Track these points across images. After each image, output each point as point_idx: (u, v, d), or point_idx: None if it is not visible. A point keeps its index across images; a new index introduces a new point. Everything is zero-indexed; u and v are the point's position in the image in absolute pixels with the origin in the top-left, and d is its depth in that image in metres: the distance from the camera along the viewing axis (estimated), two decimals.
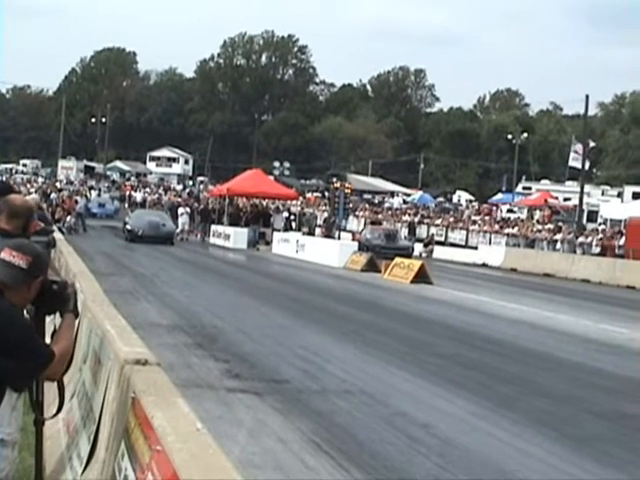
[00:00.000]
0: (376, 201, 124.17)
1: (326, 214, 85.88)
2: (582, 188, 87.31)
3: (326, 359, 21.27)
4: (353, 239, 71.91)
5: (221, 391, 16.60)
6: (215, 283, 39.60)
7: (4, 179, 70.53)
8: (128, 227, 67.48)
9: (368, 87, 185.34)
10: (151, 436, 5.67)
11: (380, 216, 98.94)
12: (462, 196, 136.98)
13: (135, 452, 6.07)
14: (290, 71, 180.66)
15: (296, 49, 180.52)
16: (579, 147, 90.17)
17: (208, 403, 14.40)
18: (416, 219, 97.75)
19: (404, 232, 79.30)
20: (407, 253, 64.39)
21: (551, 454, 14.02)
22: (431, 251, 75.91)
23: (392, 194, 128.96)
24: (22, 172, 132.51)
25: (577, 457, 13.90)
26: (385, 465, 12.76)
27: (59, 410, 7.68)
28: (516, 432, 15.23)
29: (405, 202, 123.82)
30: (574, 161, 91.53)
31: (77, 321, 7.44)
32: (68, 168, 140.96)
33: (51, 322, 7.39)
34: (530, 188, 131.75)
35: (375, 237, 70.16)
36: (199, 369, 18.39)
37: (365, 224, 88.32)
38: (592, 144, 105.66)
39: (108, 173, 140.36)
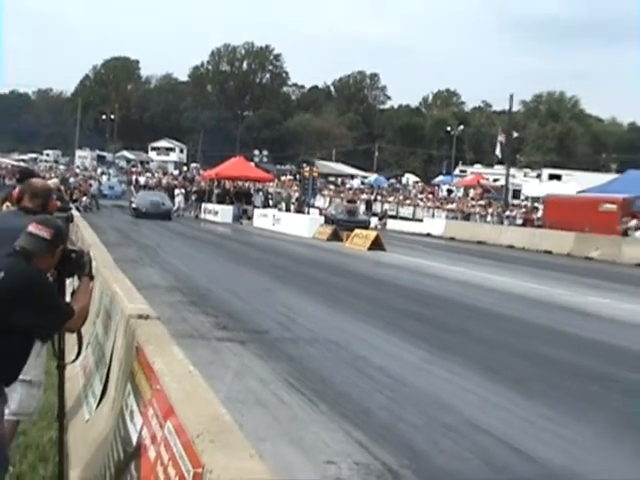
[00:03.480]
0: (339, 182, 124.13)
1: (297, 193, 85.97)
2: (508, 171, 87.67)
3: (299, 314, 21.27)
4: (320, 214, 70.91)
5: (211, 340, 16.57)
6: (206, 252, 39.52)
7: (29, 166, 69.41)
8: (134, 205, 68.47)
9: (332, 88, 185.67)
10: (152, 378, 5.66)
11: (342, 195, 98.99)
12: (410, 178, 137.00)
13: (139, 391, 6.06)
14: (267, 75, 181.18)
15: (272, 57, 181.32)
16: (504, 137, 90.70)
17: (200, 350, 14.36)
18: (372, 197, 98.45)
19: (362, 208, 78.86)
20: (365, 225, 63.58)
21: (486, 391, 14.04)
22: (385, 224, 76.15)
23: (352, 177, 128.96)
24: (45, 161, 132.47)
25: (509, 393, 13.92)
26: (347, 400, 12.77)
27: (78, 356, 7.79)
28: (457, 373, 15.23)
29: (363, 183, 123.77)
30: (500, 149, 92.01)
31: (91, 283, 7.38)
32: (83, 157, 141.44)
33: (70, 284, 7.38)
34: (465, 171, 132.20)
35: (339, 212, 68.92)
36: (193, 322, 18.35)
37: (330, 201, 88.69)
38: (515, 135, 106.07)
39: (116, 161, 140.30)
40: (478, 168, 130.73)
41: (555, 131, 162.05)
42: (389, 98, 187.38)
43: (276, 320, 20.07)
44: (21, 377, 6.85)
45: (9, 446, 7.04)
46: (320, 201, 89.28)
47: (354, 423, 11.48)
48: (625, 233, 57.03)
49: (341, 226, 59.17)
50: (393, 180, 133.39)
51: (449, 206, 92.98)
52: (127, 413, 6.29)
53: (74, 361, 7.87)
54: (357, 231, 53.55)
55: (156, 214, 64.76)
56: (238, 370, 14.09)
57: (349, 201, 79.83)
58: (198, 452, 3.98)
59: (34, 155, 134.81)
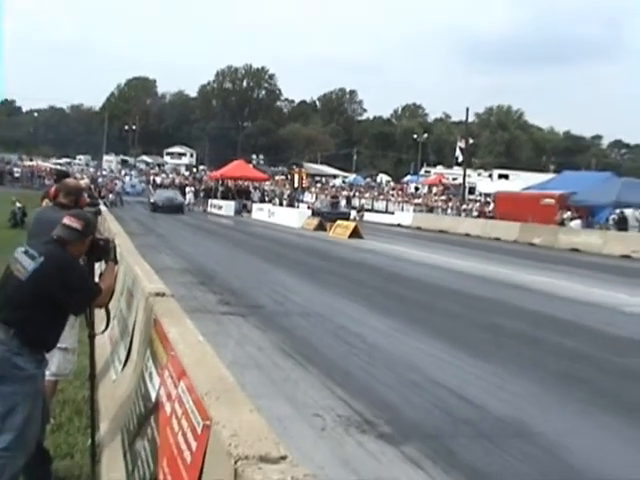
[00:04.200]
0: (323, 181, 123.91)
1: (289, 191, 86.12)
2: (464, 171, 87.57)
3: (290, 292, 21.29)
4: (308, 208, 70.35)
5: (217, 314, 16.56)
6: (213, 240, 39.49)
7: (64, 168, 69.29)
8: (152, 201, 68.34)
9: (317, 102, 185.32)
10: (167, 345, 5.68)
11: (326, 192, 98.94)
12: (383, 177, 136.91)
13: (156, 356, 6.07)
14: (263, 92, 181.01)
15: (267, 76, 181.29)
16: (462, 143, 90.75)
17: (207, 322, 14.36)
18: (351, 193, 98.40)
19: (343, 202, 78.66)
20: (346, 217, 63.66)
21: (448, 355, 14.07)
22: (362, 216, 75.91)
23: (334, 176, 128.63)
24: (77, 164, 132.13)
25: (466, 357, 13.95)
26: (331, 362, 12.83)
27: (107, 328, 7.80)
28: (424, 340, 15.28)
29: (344, 182, 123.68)
30: (459, 152, 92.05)
31: (116, 267, 7.42)
32: (109, 161, 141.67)
33: (98, 267, 7.39)
34: (429, 172, 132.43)
35: (324, 206, 70.16)
36: (201, 299, 18.37)
37: (316, 197, 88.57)
38: (471, 141, 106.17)
39: (137, 164, 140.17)
40: (440, 169, 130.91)
41: (503, 138, 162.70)
42: (365, 110, 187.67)
43: (271, 297, 20.10)
44: (59, 345, 6.93)
45: (50, 402, 7.16)
46: (307, 197, 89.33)
47: (337, 382, 11.51)
48: (561, 223, 57.29)
49: (325, 217, 58.84)
50: (369, 179, 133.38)
51: (416, 201, 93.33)
52: (147, 375, 6.30)
53: (103, 332, 7.89)
54: (339, 222, 53.57)
55: (170, 208, 64.47)
56: (239, 339, 14.12)
57: (332, 197, 79.28)
58: (207, 407, 3.99)
59: (68, 159, 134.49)
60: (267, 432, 3.72)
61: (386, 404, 10.51)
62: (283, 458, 3.25)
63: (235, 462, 3.22)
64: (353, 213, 73.69)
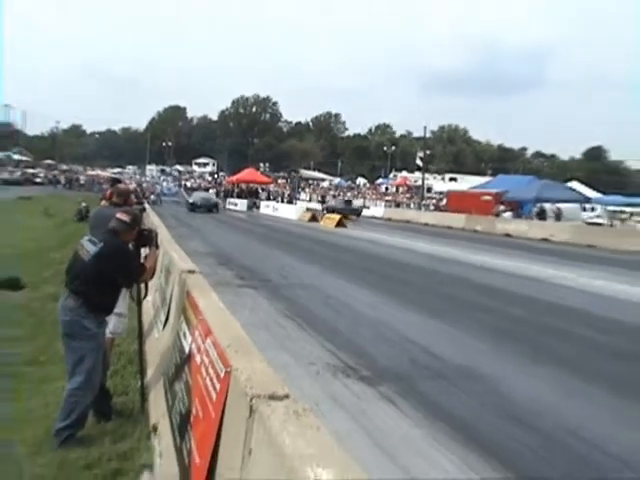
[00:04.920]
0: (315, 183, 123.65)
1: (288, 191, 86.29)
2: (423, 175, 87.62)
3: (291, 269, 21.20)
4: (322, 209, 65.83)
5: (234, 287, 16.53)
6: (230, 230, 39.36)
7: (117, 176, 68.96)
8: (191, 201, 62.35)
9: (310, 123, 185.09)
10: (197, 311, 5.68)
11: (318, 191, 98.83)
12: (361, 180, 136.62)
13: (189, 320, 6.07)
14: (267, 115, 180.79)
15: (271, 103, 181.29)
16: (421, 154, 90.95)
17: (227, 294, 14.31)
18: (336, 193, 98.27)
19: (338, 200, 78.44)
20: (358, 212, 64.18)
21: (414, 317, 14.10)
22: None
23: (323, 180, 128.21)
24: (127, 173, 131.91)
25: (428, 318, 13.98)
26: (323, 324, 12.78)
27: (146, 296, 7.92)
28: (396, 307, 15.25)
29: (330, 184, 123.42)
30: (419, 161, 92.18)
31: (157, 251, 7.43)
32: (151, 170, 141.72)
33: (144, 252, 7.42)
34: (396, 175, 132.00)
35: (338, 203, 67.89)
36: (222, 275, 18.30)
37: (310, 197, 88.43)
38: (428, 152, 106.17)
39: (172, 172, 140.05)
40: (404, 173, 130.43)
41: (452, 150, 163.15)
42: (347, 129, 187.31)
43: (276, 273, 20.03)
44: (115, 311, 7.06)
45: (109, 353, 7.45)
46: (302, 196, 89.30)
47: (327, 338, 11.51)
48: (497, 214, 57.75)
49: (340, 213, 55.93)
50: (350, 182, 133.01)
51: (386, 198, 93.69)
52: (181, 334, 6.32)
53: (144, 298, 7.90)
54: (327, 215, 53.55)
55: (208, 206, 60.11)
56: (252, 307, 14.10)
57: (333, 196, 77.05)
58: (228, 358, 3.99)
59: (120, 169, 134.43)
60: (273, 377, 3.73)
61: (365, 355, 10.51)
62: (287, 396, 3.26)
63: (250, 399, 3.24)
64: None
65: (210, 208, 60.49)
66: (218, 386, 3.98)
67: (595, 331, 13.59)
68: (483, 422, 7.74)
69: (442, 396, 8.59)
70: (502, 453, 6.82)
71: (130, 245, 7.00)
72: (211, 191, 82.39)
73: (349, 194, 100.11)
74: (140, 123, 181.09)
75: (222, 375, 3.93)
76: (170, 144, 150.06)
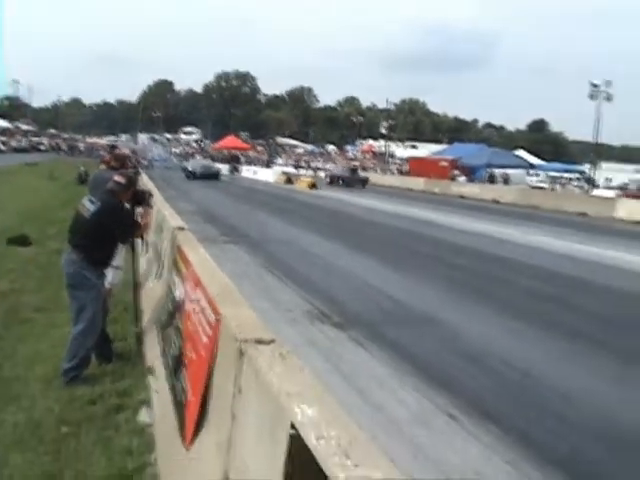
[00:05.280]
0: (290, 150, 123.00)
1: (266, 156, 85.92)
2: (387, 143, 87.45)
3: (269, 226, 21.21)
4: (325, 176, 61.35)
5: (219, 243, 16.46)
6: (214, 192, 38.98)
7: (114, 143, 68.04)
8: (190, 169, 53.37)
9: (286, 96, 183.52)
10: (187, 264, 5.60)
11: (292, 157, 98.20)
12: (331, 147, 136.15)
13: (180, 271, 6.02)
14: (247, 88, 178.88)
15: (250, 77, 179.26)
16: (385, 124, 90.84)
17: (213, 248, 14.22)
18: (308, 158, 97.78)
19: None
20: (364, 182, 54.59)
21: (377, 268, 14.14)
22: (317, 173, 75.18)
23: (297, 147, 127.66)
24: (121, 141, 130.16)
25: (391, 270, 14.02)
26: (298, 274, 12.80)
27: (147, 251, 7.76)
28: (360, 260, 15.32)
29: (304, 150, 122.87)
30: (383, 130, 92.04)
31: (151, 210, 7.38)
32: (143, 138, 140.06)
33: (139, 211, 7.37)
34: (363, 143, 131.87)
35: (341, 171, 59.18)
36: (208, 232, 18.16)
37: (286, 162, 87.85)
38: (391, 122, 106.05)
39: (161, 140, 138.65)
40: (370, 141, 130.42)
41: (413, 120, 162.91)
42: (319, 101, 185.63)
43: (256, 229, 19.99)
44: (112, 264, 7.02)
45: (108, 302, 7.30)
46: (279, 162, 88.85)
47: (302, 287, 11.52)
48: (453, 178, 58.00)
49: (345, 182, 52.68)
50: (322, 149, 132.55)
51: (354, 163, 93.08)
52: (173, 285, 6.29)
53: (145, 254, 7.83)
54: (302, 177, 53.41)
55: (209, 175, 51.12)
56: (234, 259, 14.06)
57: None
58: (217, 306, 3.96)
59: (115, 138, 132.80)
60: (259, 323, 3.71)
61: (337, 302, 10.53)
62: (272, 341, 3.24)
63: (239, 344, 3.22)
64: (310, 172, 73.00)
65: (212, 176, 51.61)
66: (209, 331, 3.95)
67: (534, 280, 13.78)
68: (442, 361, 7.80)
69: (406, 339, 8.63)
70: (457, 386, 6.90)
71: (126, 204, 6.96)
72: (197, 157, 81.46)
73: (321, 159, 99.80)
74: (133, 96, 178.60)
75: (213, 322, 3.90)
76: (159, 115, 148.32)
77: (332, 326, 9.08)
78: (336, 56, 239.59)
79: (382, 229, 22.48)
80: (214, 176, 51.90)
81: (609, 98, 70.31)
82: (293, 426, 2.25)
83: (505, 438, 5.65)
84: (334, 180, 55.57)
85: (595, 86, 69.70)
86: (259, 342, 3.20)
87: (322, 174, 62.75)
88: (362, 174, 58.96)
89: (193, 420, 3.88)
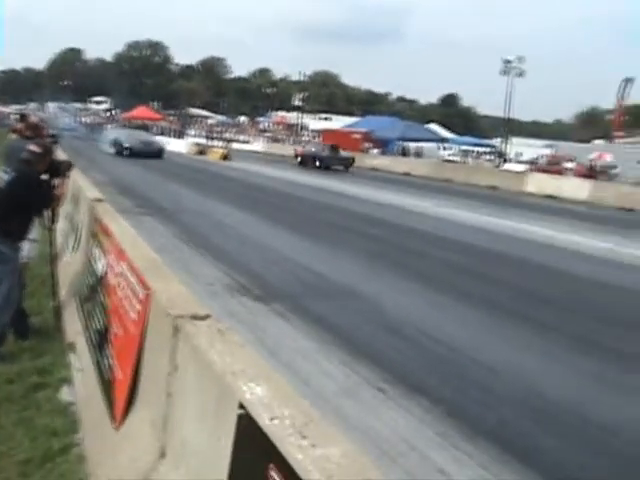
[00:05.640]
0: (201, 121, 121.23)
1: (178, 127, 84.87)
2: (301, 115, 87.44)
3: (183, 198, 20.91)
4: (296, 156, 47.78)
5: (135, 214, 16.10)
6: (125, 162, 37.94)
7: (22, 112, 65.44)
8: (125, 145, 40.71)
9: (199, 66, 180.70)
10: (109, 237, 5.44)
11: (205, 128, 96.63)
12: (243, 118, 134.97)
13: (101, 244, 5.86)
14: (158, 58, 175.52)
15: (162, 47, 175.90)
16: (299, 95, 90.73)
17: (130, 219, 13.89)
18: (221, 129, 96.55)
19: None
20: (347, 164, 43.99)
21: (294, 240, 14.15)
22: (230, 145, 74.16)
23: (209, 117, 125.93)
24: (30, 109, 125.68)
25: (308, 242, 14.05)
26: (214, 246, 12.73)
27: (55, 222, 7.39)
28: (276, 231, 15.27)
29: (217, 121, 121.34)
30: (297, 101, 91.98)
31: (68, 180, 7.15)
32: (51, 106, 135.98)
33: (55, 182, 7.13)
34: (275, 114, 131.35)
35: (319, 149, 46.39)
36: (123, 204, 17.71)
37: (199, 134, 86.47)
38: (305, 94, 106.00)
39: (70, 109, 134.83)
40: (283, 113, 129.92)
41: (326, 92, 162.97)
42: (232, 72, 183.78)
43: (170, 201, 19.67)
44: (28, 237, 6.70)
45: (24, 276, 7.00)
46: (191, 133, 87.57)
47: (220, 260, 11.43)
48: (366, 151, 58.36)
49: (325, 162, 42.58)
50: (233, 119, 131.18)
51: (267, 134, 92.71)
52: (92, 257, 6.15)
53: (54, 225, 7.52)
54: (214, 149, 52.71)
55: (148, 153, 39.74)
56: (150, 230, 13.79)
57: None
58: (146, 280, 3.84)
59: (20, 106, 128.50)
60: (192, 298, 3.62)
61: (257, 275, 10.48)
62: (208, 316, 3.15)
63: (173, 319, 3.12)
64: (221, 143, 72.09)
65: (154, 154, 40.10)
66: (138, 307, 3.81)
67: (450, 252, 14.03)
68: (366, 334, 7.84)
69: (328, 312, 8.64)
70: (382, 359, 6.94)
71: (43, 175, 6.68)
72: (107, 127, 79.33)
73: (233, 130, 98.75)
74: (41, 63, 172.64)
75: (142, 297, 3.77)
76: (69, 83, 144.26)
77: (254, 299, 9.01)
78: (251, 28, 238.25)
79: (295, 201, 22.44)
80: (156, 154, 40.24)
81: (521, 74, 72.05)
82: (241, 405, 2.18)
83: (434, 410, 5.71)
84: (307, 161, 45.09)
85: (508, 62, 71.26)
86: (195, 318, 3.11)
87: (295, 150, 51.07)
88: (344, 153, 46.51)
89: (123, 399, 3.75)
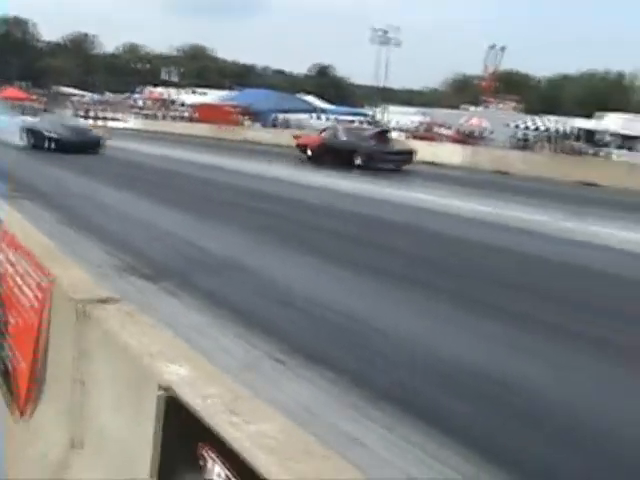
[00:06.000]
0: (76, 100, 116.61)
1: (45, 107, 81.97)
2: (168, 89, 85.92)
3: (64, 181, 20.25)
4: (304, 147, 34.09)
5: (12, 199, 15.46)
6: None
7: None
8: (54, 136, 29.16)
9: (67, 43, 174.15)
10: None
11: (81, 107, 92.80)
12: (110, 94, 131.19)
13: None
14: (21, 34, 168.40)
15: (23, 23, 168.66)
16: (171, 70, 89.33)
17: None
18: (95, 108, 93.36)
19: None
20: (409, 158, 28.50)
21: (177, 217, 14.03)
22: (106, 125, 72.21)
23: (78, 95, 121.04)
24: None
25: (191, 219, 14.06)
26: (99, 229, 12.48)
27: None
28: (159, 208, 15.12)
29: (90, 99, 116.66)
30: (166, 76, 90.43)
31: None
32: None
33: None
34: (147, 90, 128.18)
35: (358, 139, 28.82)
36: None
37: (76, 113, 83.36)
38: (182, 70, 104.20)
39: None
40: (154, 88, 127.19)
41: (198, 65, 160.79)
42: (101, 48, 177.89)
43: (51, 185, 18.95)
44: None
45: None
46: (68, 111, 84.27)
47: (105, 241, 11.23)
48: (242, 124, 58.40)
49: (378, 159, 27.09)
50: (102, 96, 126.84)
51: (142, 112, 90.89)
52: None
53: None
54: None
55: (84, 144, 29.09)
56: (32, 216, 13.34)
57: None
58: (44, 267, 3.74)
59: None
60: (93, 282, 3.56)
61: (143, 254, 10.39)
62: (115, 300, 3.12)
63: (78, 304, 3.05)
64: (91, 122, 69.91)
65: (91, 146, 29.44)
66: (38, 294, 3.71)
67: (335, 221, 14.36)
68: (260, 308, 7.90)
69: (219, 287, 8.68)
70: (278, 332, 7.01)
71: None
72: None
73: (108, 108, 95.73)
74: None
75: (44, 283, 3.67)
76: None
77: (142, 278, 8.92)
78: (121, 2, 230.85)
79: (177, 177, 22.19)
80: (92, 146, 29.63)
81: (397, 44, 73.24)
82: (163, 387, 2.18)
83: (338, 381, 5.81)
84: (329, 156, 28.84)
85: (381, 32, 72.21)
86: (101, 301, 3.07)
87: (298, 138, 34.32)
88: (398, 141, 34.28)
89: (27, 390, 3.66)
